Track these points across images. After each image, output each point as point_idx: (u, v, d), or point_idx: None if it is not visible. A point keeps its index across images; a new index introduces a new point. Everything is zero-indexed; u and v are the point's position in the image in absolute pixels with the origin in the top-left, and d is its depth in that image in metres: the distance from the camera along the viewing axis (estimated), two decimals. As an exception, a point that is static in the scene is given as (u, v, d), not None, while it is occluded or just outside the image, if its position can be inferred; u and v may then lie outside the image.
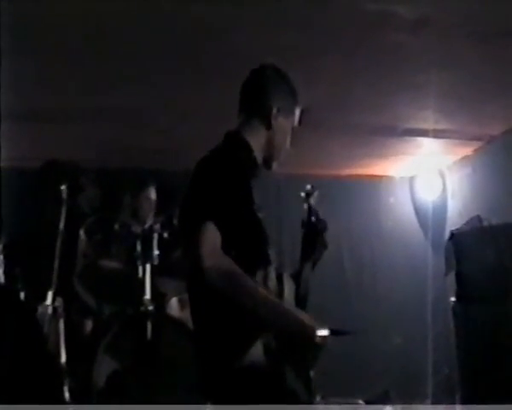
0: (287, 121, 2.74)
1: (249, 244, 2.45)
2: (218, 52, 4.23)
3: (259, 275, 2.42)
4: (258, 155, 2.67)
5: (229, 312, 2.33)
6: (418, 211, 7.38)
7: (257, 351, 2.32)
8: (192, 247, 2.30)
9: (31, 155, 5.42)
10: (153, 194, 5.39)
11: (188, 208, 2.50)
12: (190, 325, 4.46)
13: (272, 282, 2.49)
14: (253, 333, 2.33)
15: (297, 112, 2.79)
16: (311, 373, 2.54)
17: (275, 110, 2.67)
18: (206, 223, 2.30)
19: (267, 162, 2.73)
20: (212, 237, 2.30)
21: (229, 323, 2.35)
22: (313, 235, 2.76)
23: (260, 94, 2.70)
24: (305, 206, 2.84)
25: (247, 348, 2.31)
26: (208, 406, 4.36)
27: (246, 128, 2.68)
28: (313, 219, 2.78)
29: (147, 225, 4.89)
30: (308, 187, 2.87)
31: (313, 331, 2.38)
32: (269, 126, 2.67)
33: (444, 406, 5.84)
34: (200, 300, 2.47)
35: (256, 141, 2.66)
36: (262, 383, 2.35)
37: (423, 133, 5.90)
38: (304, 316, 2.42)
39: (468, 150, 6.53)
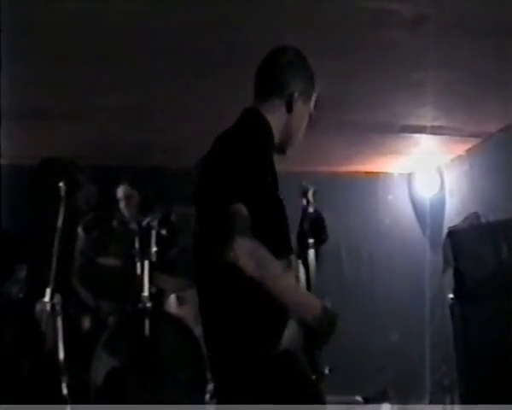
0: (305, 106, 2.67)
1: (275, 229, 2.39)
2: (217, 51, 4.23)
3: (284, 260, 2.38)
4: (276, 136, 2.61)
5: (254, 301, 2.26)
6: (416, 208, 7.37)
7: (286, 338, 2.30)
8: (222, 231, 2.21)
9: (28, 153, 5.41)
10: (127, 190, 5.40)
11: (212, 189, 2.38)
12: (188, 321, 4.52)
13: (294, 267, 2.49)
14: (281, 321, 2.29)
15: (314, 98, 2.72)
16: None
17: (296, 94, 2.60)
18: (234, 204, 2.23)
19: (282, 146, 2.67)
20: (242, 218, 2.22)
21: (255, 312, 2.29)
22: (313, 229, 2.75)
23: (283, 75, 2.62)
24: (304, 201, 2.82)
25: (278, 336, 2.28)
26: (208, 406, 4.38)
27: (266, 108, 2.60)
28: (311, 213, 2.76)
29: (144, 222, 4.89)
30: (304, 183, 2.85)
31: (336, 318, 2.34)
32: (290, 109, 2.61)
33: (442, 406, 5.84)
34: (221, 292, 2.37)
35: (275, 122, 2.59)
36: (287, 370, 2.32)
37: (421, 130, 5.90)
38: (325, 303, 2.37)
39: (465, 147, 6.53)
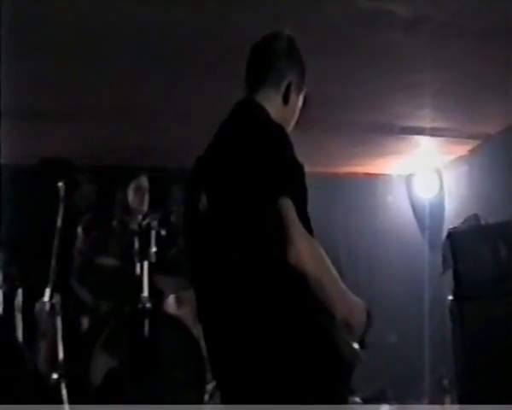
0: (297, 98, 2.57)
1: (306, 223, 2.21)
2: (215, 51, 4.23)
3: None
4: None
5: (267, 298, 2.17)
6: (415, 209, 7.38)
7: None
8: (276, 227, 2.11)
9: (27, 153, 5.41)
10: (144, 182, 5.31)
11: (252, 184, 2.20)
12: (187, 321, 4.52)
13: None
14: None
15: (304, 92, 2.61)
16: None
17: (292, 85, 2.50)
18: (283, 199, 2.11)
19: None
20: (294, 213, 2.11)
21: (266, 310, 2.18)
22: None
23: (281, 64, 2.50)
24: None
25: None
26: (208, 406, 4.38)
27: (262, 98, 2.46)
28: None
29: (144, 222, 4.89)
30: None
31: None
32: (286, 101, 2.50)
33: (440, 406, 5.83)
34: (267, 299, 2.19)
35: (273, 113, 2.43)
36: None
37: (420, 132, 5.91)
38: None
39: (464, 149, 6.54)
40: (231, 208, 2.27)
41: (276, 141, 2.27)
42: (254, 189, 2.20)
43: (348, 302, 2.23)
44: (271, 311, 2.19)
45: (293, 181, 2.20)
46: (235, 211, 2.25)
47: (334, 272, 2.18)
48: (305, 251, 2.10)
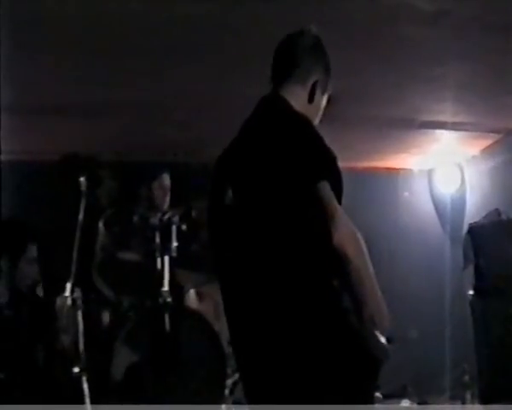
0: (321, 97, 2.57)
1: None
2: (233, 46, 4.23)
3: None
4: None
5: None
6: (436, 204, 7.35)
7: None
8: (316, 213, 2.11)
9: (49, 149, 5.44)
10: (166, 181, 5.33)
11: (287, 173, 2.19)
12: (208, 316, 4.53)
13: None
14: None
15: (329, 89, 2.62)
16: None
17: (319, 84, 2.51)
18: (321, 183, 2.12)
19: None
20: (334, 198, 2.12)
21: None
22: None
23: (307, 62, 2.51)
24: None
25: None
26: (223, 406, 4.39)
27: (288, 94, 2.47)
28: None
29: (165, 217, 4.89)
30: None
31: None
32: (312, 99, 2.51)
33: (461, 403, 5.80)
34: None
35: (299, 111, 2.43)
36: None
37: (441, 126, 5.88)
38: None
39: (486, 143, 6.50)
40: (260, 201, 2.26)
41: (307, 131, 2.29)
42: (289, 177, 2.19)
43: (377, 299, 2.23)
44: (299, 305, 2.20)
45: (330, 167, 2.21)
46: (265, 203, 2.25)
47: (371, 264, 2.18)
48: (348, 235, 2.14)
